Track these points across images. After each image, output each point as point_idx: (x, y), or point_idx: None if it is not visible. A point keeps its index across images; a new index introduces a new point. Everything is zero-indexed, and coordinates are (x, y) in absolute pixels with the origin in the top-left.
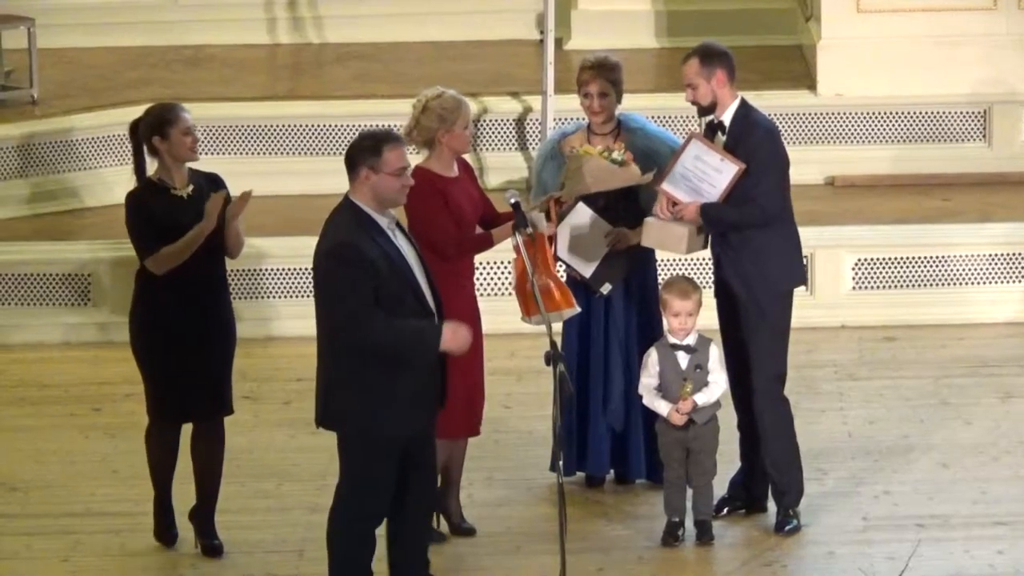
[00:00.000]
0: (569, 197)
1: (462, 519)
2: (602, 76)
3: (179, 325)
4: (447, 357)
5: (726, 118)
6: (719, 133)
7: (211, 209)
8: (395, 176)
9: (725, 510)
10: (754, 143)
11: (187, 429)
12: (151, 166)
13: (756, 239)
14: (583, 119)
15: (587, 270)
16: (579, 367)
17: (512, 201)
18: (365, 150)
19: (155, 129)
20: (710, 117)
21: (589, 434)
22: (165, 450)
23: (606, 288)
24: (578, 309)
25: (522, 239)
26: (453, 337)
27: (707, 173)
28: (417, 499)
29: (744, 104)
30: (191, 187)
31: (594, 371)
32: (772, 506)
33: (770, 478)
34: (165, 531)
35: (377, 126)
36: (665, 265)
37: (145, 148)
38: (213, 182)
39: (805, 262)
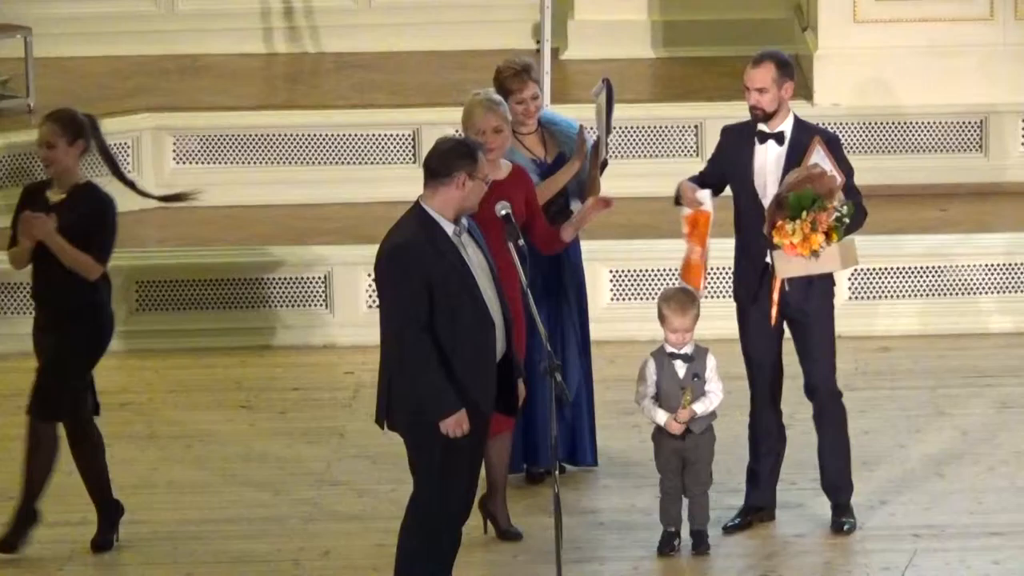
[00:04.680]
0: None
1: (509, 523)
2: (531, 79)
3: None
4: (511, 359)
5: (785, 128)
6: (774, 142)
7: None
8: (484, 181)
9: (749, 519)
10: (840, 152)
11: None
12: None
13: None
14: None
15: None
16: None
17: (503, 213)
18: (463, 156)
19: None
20: (762, 126)
21: (538, 428)
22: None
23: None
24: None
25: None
26: (455, 424)
27: None
28: None
29: (796, 116)
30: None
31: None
32: (779, 513)
33: (831, 478)
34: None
35: (378, 136)
36: (659, 273)
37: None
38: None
39: None
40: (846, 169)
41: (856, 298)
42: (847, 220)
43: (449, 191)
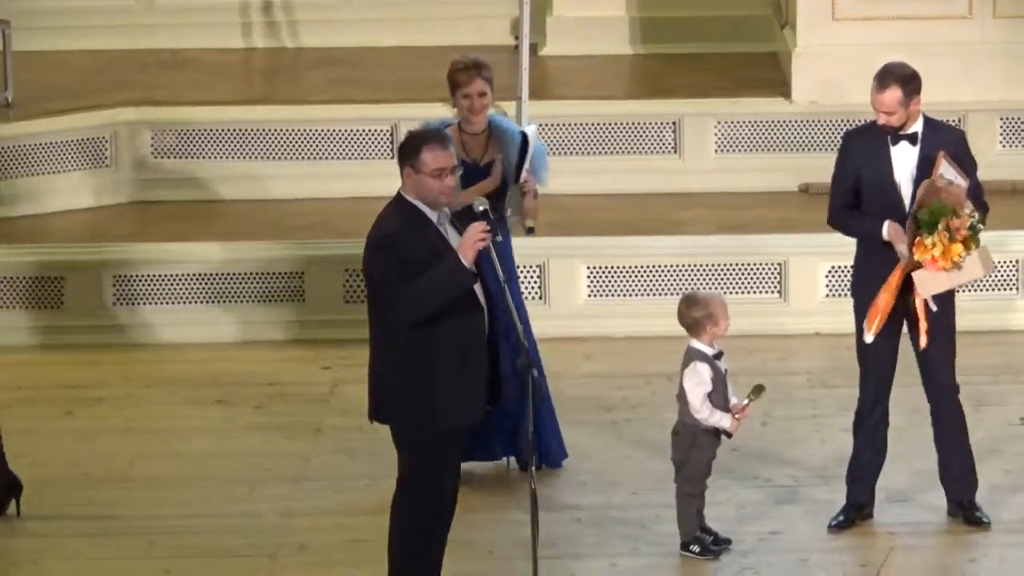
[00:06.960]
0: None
1: None
2: (480, 76)
3: None
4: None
5: (917, 128)
6: (907, 143)
7: None
8: (433, 177)
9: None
10: (966, 148)
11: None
12: None
13: None
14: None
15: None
16: None
17: (480, 209)
18: (408, 149)
19: None
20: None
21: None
22: None
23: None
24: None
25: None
26: (466, 246)
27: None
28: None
29: (925, 115)
30: None
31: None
32: (755, 510)
33: (970, 472)
34: None
35: (356, 131)
36: (655, 271)
37: None
38: None
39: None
40: (970, 167)
41: (834, 295)
42: (980, 226)
43: (405, 183)
